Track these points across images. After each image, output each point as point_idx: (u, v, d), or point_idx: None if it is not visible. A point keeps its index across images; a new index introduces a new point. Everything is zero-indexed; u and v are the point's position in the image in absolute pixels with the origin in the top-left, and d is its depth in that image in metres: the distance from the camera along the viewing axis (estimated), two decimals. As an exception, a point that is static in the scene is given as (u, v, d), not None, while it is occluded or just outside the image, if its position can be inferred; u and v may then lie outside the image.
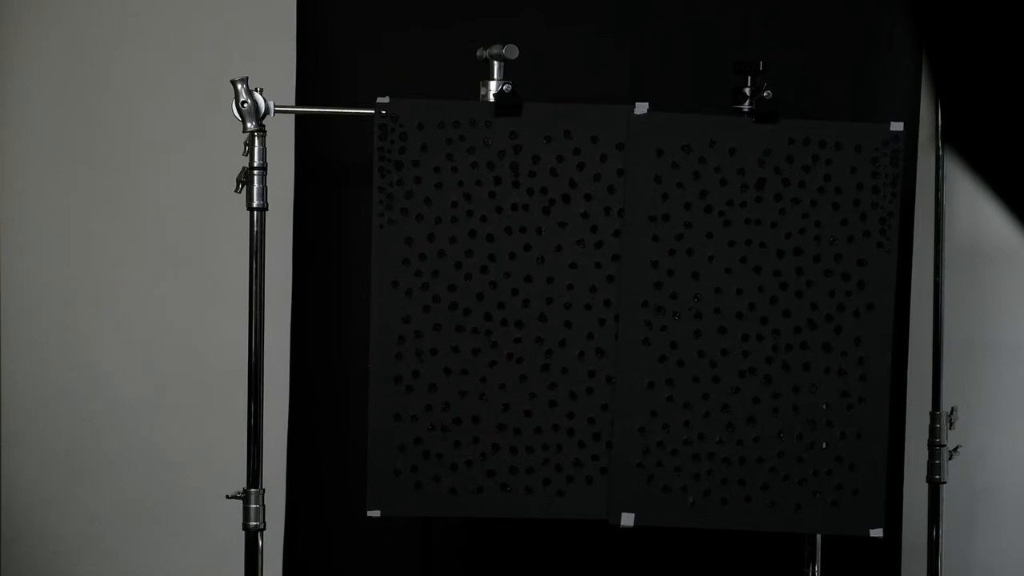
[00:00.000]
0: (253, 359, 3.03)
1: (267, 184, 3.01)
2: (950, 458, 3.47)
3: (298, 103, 3.32)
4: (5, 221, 3.54)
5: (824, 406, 3.02)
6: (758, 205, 3.00)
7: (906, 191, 3.28)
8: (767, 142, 3.00)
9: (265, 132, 2.99)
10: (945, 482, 3.47)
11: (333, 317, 3.43)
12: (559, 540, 3.39)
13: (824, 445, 3.03)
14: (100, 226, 3.51)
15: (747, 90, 3.07)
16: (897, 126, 3.03)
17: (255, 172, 2.99)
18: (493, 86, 2.99)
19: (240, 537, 3.05)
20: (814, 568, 3.18)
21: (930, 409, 3.49)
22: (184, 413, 3.52)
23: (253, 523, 3.02)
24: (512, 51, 2.97)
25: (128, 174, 3.51)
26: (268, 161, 3.00)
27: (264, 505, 3.04)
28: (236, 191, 3.00)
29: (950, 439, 3.48)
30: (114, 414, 3.52)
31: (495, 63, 2.99)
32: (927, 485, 3.49)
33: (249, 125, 2.97)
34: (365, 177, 3.10)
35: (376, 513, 3.00)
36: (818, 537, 3.16)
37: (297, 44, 3.42)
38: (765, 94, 3.02)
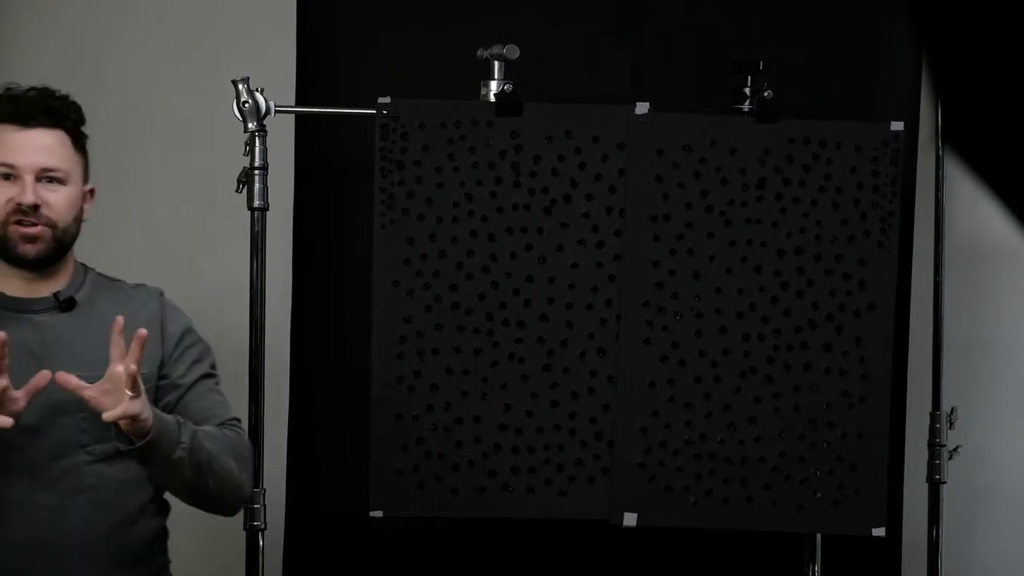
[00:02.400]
0: (254, 359, 3.03)
1: (268, 184, 3.00)
2: (950, 458, 3.47)
3: (298, 103, 3.32)
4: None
5: (825, 406, 3.02)
6: (759, 205, 3.00)
7: (906, 191, 3.28)
8: (767, 142, 3.00)
9: (266, 132, 2.99)
10: (945, 482, 3.47)
11: (333, 317, 3.43)
12: (561, 540, 3.39)
13: (825, 444, 3.03)
14: (100, 226, 3.51)
15: (747, 90, 3.08)
16: (897, 126, 3.03)
17: (256, 172, 2.99)
18: (494, 86, 3.00)
19: (240, 537, 3.05)
20: (814, 568, 3.18)
21: (930, 409, 3.49)
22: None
23: (254, 523, 3.02)
24: (513, 51, 2.97)
25: (128, 174, 3.51)
26: (268, 161, 3.00)
27: (265, 505, 3.03)
28: (237, 191, 3.00)
29: (950, 439, 3.48)
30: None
31: (496, 63, 2.99)
32: (927, 485, 3.48)
33: (250, 125, 2.97)
34: (365, 177, 3.10)
35: (378, 513, 3.00)
36: (818, 537, 3.16)
37: (297, 44, 3.42)
38: (766, 94, 3.02)
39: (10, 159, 2.62)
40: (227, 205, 3.11)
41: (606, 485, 3.00)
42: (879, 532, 3.06)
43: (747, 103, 3.06)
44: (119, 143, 3.51)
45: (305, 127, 3.42)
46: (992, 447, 3.67)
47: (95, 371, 2.50)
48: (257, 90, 2.98)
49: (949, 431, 3.47)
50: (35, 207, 2.60)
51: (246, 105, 2.95)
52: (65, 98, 2.68)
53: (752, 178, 2.99)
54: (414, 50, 3.37)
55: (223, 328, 3.44)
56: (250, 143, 2.98)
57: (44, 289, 2.67)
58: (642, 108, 2.99)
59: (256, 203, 2.99)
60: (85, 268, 2.76)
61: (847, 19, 3.46)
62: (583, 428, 3.01)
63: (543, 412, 3.00)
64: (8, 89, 2.69)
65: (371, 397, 3.00)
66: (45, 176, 2.63)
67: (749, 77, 3.08)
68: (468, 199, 2.97)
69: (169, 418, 2.57)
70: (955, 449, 3.46)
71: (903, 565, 3.55)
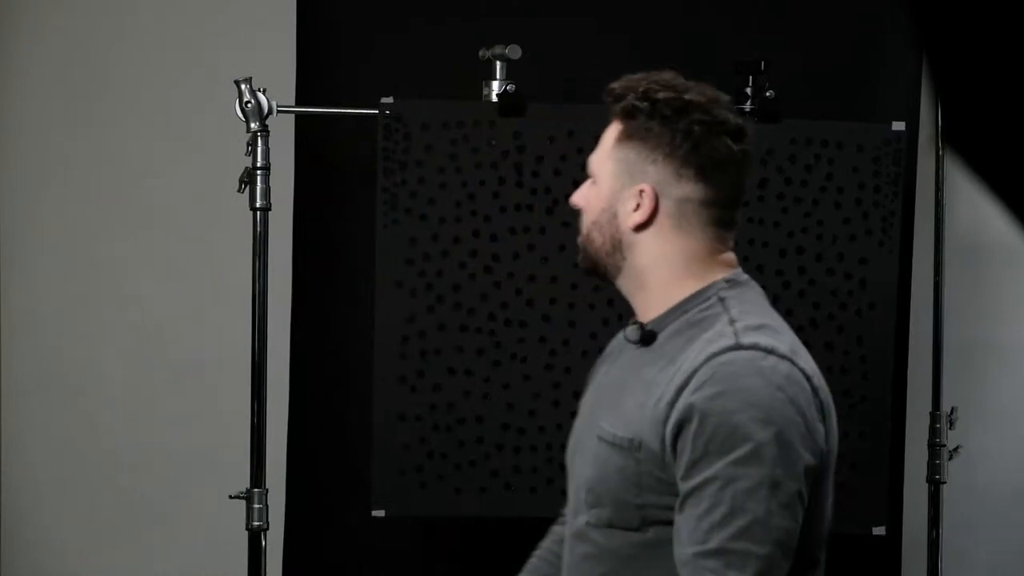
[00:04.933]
0: (256, 359, 3.02)
1: (270, 184, 3.00)
2: (950, 458, 3.47)
3: (298, 103, 3.32)
4: (6, 221, 3.54)
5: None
6: (761, 204, 3.00)
7: (906, 191, 3.29)
8: (770, 142, 3.01)
9: (268, 132, 2.99)
10: (945, 482, 3.47)
11: (333, 317, 3.43)
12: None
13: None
14: (101, 226, 3.51)
15: (749, 90, 3.08)
16: (899, 125, 3.04)
17: (258, 172, 2.99)
18: (496, 86, 3.00)
19: (241, 537, 3.05)
20: (814, 567, 3.18)
21: (930, 409, 3.50)
22: (185, 413, 3.52)
23: (256, 523, 3.02)
24: (515, 51, 2.97)
25: (128, 174, 3.51)
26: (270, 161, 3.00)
27: (267, 505, 3.03)
28: (239, 191, 3.00)
29: (950, 439, 3.48)
30: (115, 414, 3.52)
31: (497, 63, 2.99)
32: (927, 485, 3.49)
33: (252, 125, 2.96)
34: (366, 177, 3.10)
35: (381, 513, 3.00)
36: (819, 536, 3.16)
37: (297, 44, 3.42)
38: (768, 94, 3.03)
39: None
40: (228, 205, 3.11)
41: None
42: (879, 531, 3.06)
43: (749, 103, 3.07)
44: (119, 143, 3.51)
45: (305, 127, 3.42)
46: (992, 447, 3.68)
47: (615, 421, 2.04)
48: (259, 90, 2.98)
49: (949, 431, 3.47)
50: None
51: (248, 105, 2.95)
52: (628, 85, 2.16)
53: (754, 178, 3.00)
54: (415, 50, 3.37)
55: (223, 328, 3.45)
56: (252, 143, 2.97)
57: (643, 312, 2.13)
58: (644, 108, 2.99)
59: (258, 203, 2.99)
60: (695, 297, 2.09)
61: (847, 19, 3.46)
62: (585, 428, 3.01)
63: (545, 412, 3.00)
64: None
65: (373, 397, 3.00)
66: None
67: (751, 77, 3.08)
68: (470, 199, 2.97)
69: None
70: (955, 449, 3.47)
71: (903, 565, 3.56)
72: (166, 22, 3.52)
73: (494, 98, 2.98)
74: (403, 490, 2.99)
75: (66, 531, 3.53)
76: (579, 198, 2.16)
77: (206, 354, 3.49)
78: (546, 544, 2.32)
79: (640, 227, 2.07)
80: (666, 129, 2.08)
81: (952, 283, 3.57)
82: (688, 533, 1.92)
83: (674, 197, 2.07)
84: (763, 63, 3.07)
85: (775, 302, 3.04)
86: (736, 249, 3.03)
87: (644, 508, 2.01)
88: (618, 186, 2.10)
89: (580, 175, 3.00)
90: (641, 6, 3.42)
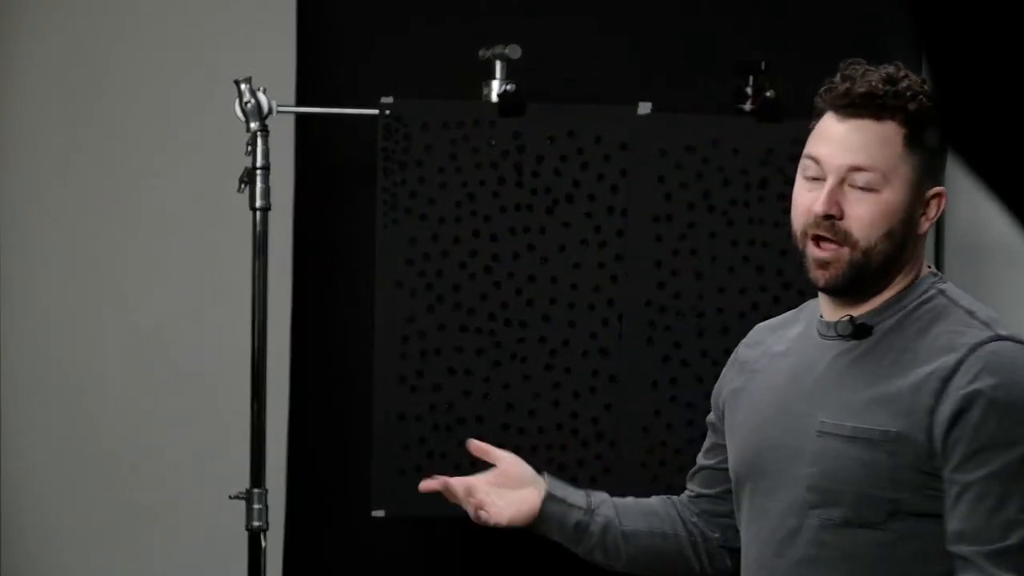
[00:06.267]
0: (256, 359, 3.02)
1: (270, 184, 3.00)
2: (950, 458, 3.47)
3: (298, 103, 3.32)
4: (5, 220, 3.54)
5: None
6: (761, 205, 3.00)
7: (907, 191, 3.28)
8: (770, 142, 3.01)
9: (268, 132, 2.99)
10: (945, 481, 3.47)
11: (333, 317, 3.43)
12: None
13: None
14: (101, 226, 3.51)
15: (749, 90, 3.08)
16: (899, 126, 3.03)
17: (258, 172, 2.99)
18: (496, 86, 3.00)
19: (241, 537, 3.05)
20: (815, 567, 3.18)
21: (931, 409, 3.49)
22: (185, 414, 3.51)
23: (256, 523, 3.01)
24: (515, 51, 2.97)
25: (128, 174, 3.51)
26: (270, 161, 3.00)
27: (267, 505, 3.03)
28: (239, 191, 3.00)
29: (950, 439, 3.47)
30: (115, 414, 3.51)
31: (497, 63, 2.99)
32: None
33: (252, 125, 2.96)
34: (366, 177, 3.10)
35: (380, 513, 3.00)
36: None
37: (297, 44, 3.42)
38: (768, 94, 3.03)
39: (815, 151, 2.07)
40: (228, 205, 3.11)
41: (608, 485, 3.01)
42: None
43: (749, 103, 3.07)
44: (119, 143, 3.51)
45: (305, 127, 3.42)
46: (992, 447, 3.67)
47: (843, 415, 1.99)
48: (259, 90, 2.97)
49: (949, 431, 3.47)
50: (828, 218, 2.02)
51: (248, 105, 2.95)
52: (909, 85, 2.01)
53: (754, 178, 3.00)
54: (415, 50, 3.37)
55: (223, 328, 3.44)
56: (252, 143, 2.97)
57: (849, 307, 2.06)
58: (644, 108, 2.99)
59: (259, 203, 2.99)
60: (911, 290, 2.06)
61: (847, 19, 3.46)
62: (585, 428, 3.01)
63: (545, 412, 3.00)
64: (846, 70, 2.07)
65: (373, 397, 3.00)
66: (853, 179, 2.02)
67: (751, 77, 3.08)
68: (470, 199, 2.97)
69: None
70: (955, 449, 3.46)
71: (904, 565, 3.55)
72: (166, 22, 3.51)
73: (494, 98, 2.99)
74: (403, 490, 2.99)
75: (66, 531, 3.53)
76: (864, 210, 2.01)
77: (206, 354, 3.49)
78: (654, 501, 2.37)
79: (926, 231, 2.06)
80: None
81: (952, 283, 3.56)
82: (975, 529, 1.88)
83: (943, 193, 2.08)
84: (763, 63, 3.07)
85: (776, 302, 3.05)
86: (736, 249, 3.04)
87: (897, 502, 1.94)
88: (915, 194, 2.03)
89: (580, 175, 3.02)
90: (641, 6, 3.42)
